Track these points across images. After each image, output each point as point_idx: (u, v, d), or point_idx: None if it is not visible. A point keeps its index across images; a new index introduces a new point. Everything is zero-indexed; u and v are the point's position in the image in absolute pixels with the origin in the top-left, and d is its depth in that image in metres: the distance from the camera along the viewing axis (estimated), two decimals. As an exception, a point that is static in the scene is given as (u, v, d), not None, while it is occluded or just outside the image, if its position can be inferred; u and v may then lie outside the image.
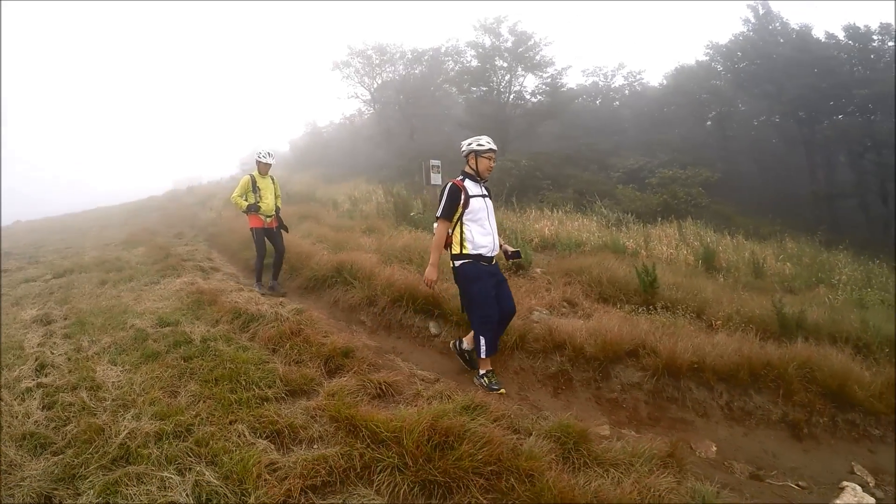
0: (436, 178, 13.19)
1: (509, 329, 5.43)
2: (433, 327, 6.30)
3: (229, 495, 2.85)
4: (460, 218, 4.75)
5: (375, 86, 33.17)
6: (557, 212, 14.72)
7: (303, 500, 2.88)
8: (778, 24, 25.70)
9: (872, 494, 3.80)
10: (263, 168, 8.36)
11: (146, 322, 6.04)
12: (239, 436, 3.43)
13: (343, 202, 17.82)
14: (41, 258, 12.59)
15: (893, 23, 19.25)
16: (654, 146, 24.95)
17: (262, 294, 7.75)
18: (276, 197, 8.49)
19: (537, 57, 27.96)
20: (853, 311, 6.93)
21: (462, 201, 4.70)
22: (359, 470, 3.13)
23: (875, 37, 22.60)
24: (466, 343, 5.22)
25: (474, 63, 29.09)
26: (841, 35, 23.40)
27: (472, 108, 28.88)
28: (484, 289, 4.73)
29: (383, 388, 4.41)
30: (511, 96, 29.14)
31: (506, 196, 16.71)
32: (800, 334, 6.00)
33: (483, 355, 4.78)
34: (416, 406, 3.96)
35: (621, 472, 3.29)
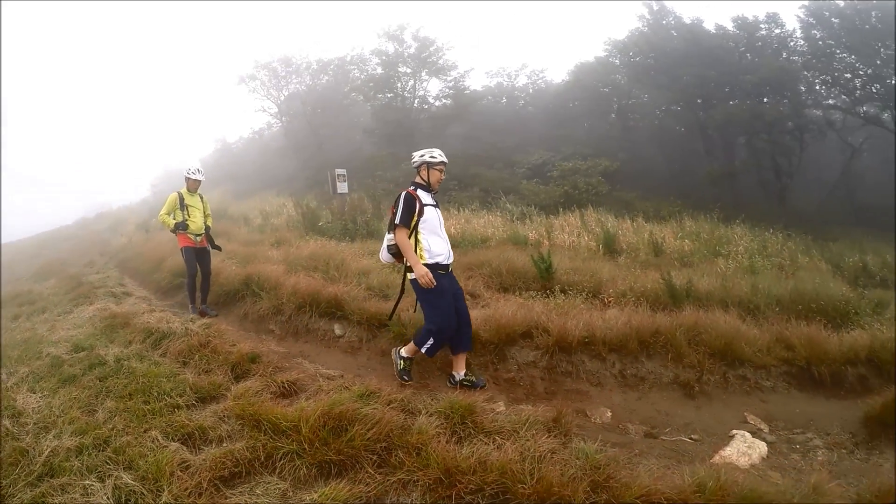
0: (342, 187, 13.39)
1: (406, 323, 5.92)
2: (338, 329, 6.64)
3: (146, 493, 3.09)
4: (416, 227, 4.82)
5: (282, 98, 32.80)
6: (464, 210, 15.06)
7: (212, 491, 3.15)
8: (672, 20, 26.87)
9: (765, 440, 4.13)
10: (192, 185, 8.09)
11: (61, 349, 6.08)
12: (153, 441, 3.66)
13: (255, 217, 17.60)
14: (-53, 297, 12.12)
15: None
16: (558, 141, 25.55)
17: (192, 320, 7.50)
18: (205, 216, 8.20)
19: (440, 61, 28.39)
20: (744, 278, 7.59)
21: (417, 209, 4.79)
22: (263, 459, 3.42)
23: (762, 26, 23.82)
24: (456, 372, 5.15)
25: (379, 70, 29.10)
26: (730, 26, 24.82)
27: (377, 115, 28.85)
28: (446, 303, 4.83)
29: (287, 386, 4.74)
30: (416, 101, 29.41)
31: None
32: (690, 302, 6.47)
33: (422, 350, 4.93)
34: (316, 399, 4.17)
35: (505, 439, 3.52)
